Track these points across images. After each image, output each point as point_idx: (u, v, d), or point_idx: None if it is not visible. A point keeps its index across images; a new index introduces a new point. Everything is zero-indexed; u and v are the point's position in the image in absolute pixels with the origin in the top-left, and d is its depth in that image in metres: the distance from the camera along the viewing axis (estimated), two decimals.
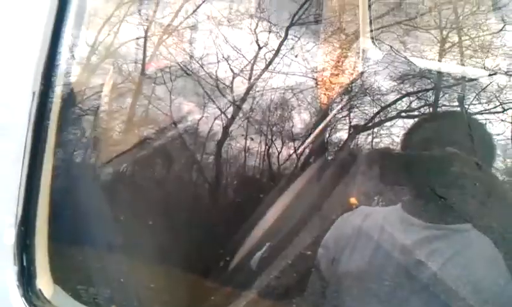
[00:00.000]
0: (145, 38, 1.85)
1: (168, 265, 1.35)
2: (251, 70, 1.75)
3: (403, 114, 1.79)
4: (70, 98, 1.23)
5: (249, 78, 1.76)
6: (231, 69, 1.73)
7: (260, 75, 1.73)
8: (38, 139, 1.01)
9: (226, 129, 1.69)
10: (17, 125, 1.00)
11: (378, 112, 1.81)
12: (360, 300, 1.25)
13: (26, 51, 1.02)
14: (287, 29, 1.80)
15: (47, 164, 1.03)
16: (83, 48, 1.43)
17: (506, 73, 1.80)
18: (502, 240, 1.17)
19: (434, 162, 1.30)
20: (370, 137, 1.76)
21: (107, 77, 1.61)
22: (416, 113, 1.81)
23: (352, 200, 1.37)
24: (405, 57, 1.84)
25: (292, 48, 1.79)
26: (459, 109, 1.69)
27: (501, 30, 1.87)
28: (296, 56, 1.77)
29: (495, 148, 1.50)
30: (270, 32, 1.81)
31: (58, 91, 1.10)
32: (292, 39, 1.80)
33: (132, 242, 1.36)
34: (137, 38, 1.85)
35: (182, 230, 1.41)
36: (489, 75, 1.82)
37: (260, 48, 1.77)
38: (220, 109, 1.71)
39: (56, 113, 1.10)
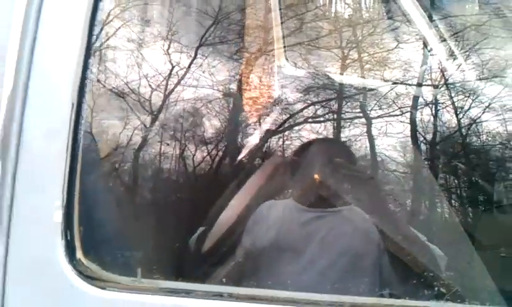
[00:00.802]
0: None
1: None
2: (167, 84, 1.94)
3: (310, 120, 2.02)
4: (96, 109, 1.54)
5: (165, 92, 1.94)
6: (150, 85, 1.92)
7: (174, 89, 1.93)
8: (75, 141, 1.26)
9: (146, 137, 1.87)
10: (62, 130, 1.24)
11: (288, 119, 2.02)
12: (272, 265, 1.63)
13: (67, 71, 1.26)
14: (196, 49, 1.95)
15: (80, 161, 1.29)
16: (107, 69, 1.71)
17: (402, 83, 2.05)
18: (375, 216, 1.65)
19: (328, 167, 1.74)
20: (281, 140, 1.99)
21: None
22: (322, 119, 2.04)
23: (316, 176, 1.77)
24: (316, 73, 2.12)
25: (201, 65, 1.95)
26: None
27: (396, 48, 2.10)
28: (204, 72, 1.94)
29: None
30: (181, 52, 1.95)
31: (89, 102, 1.43)
32: (200, 58, 1.95)
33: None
34: None
35: None
36: (389, 85, 2.03)
37: (173, 66, 1.91)
38: (140, 120, 1.88)
39: (88, 121, 1.45)
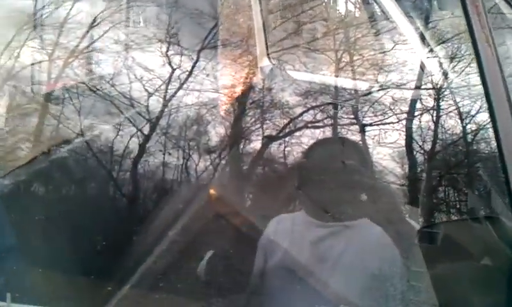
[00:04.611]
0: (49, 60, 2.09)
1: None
2: (166, 89, 1.94)
3: (309, 125, 2.04)
4: None
5: (164, 98, 2.01)
6: (145, 89, 1.96)
7: (175, 94, 1.93)
8: None
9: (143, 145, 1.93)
10: None
11: (288, 124, 2.05)
12: (283, 289, 1.56)
13: None
14: (199, 52, 2.00)
15: None
16: None
17: (398, 87, 2.09)
18: (389, 228, 1.56)
19: (338, 172, 1.65)
20: (282, 146, 1.99)
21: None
22: (320, 124, 2.06)
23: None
24: (289, 76, 2.08)
25: (204, 68, 1.99)
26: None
27: (392, 49, 2.14)
28: (208, 75, 1.97)
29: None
30: (182, 55, 2.01)
31: None
32: (203, 61, 2.00)
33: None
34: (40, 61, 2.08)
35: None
36: (381, 89, 2.09)
37: (173, 69, 1.97)
38: (136, 127, 1.94)
39: None
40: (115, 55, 1.95)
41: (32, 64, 2.03)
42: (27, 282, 1.61)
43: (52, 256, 1.70)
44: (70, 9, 2.06)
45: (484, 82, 1.20)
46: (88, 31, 1.99)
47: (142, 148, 1.86)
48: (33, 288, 1.60)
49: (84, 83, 1.89)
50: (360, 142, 1.95)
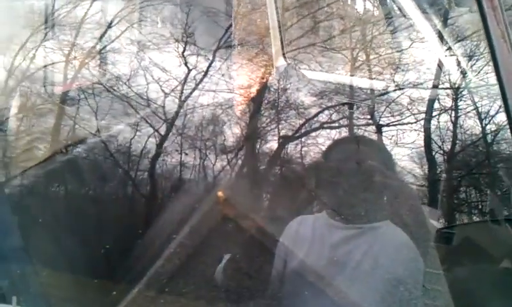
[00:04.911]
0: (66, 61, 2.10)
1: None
2: (182, 90, 1.93)
3: (325, 125, 2.01)
4: None
5: (180, 98, 1.99)
6: (162, 89, 1.92)
7: (190, 94, 1.91)
8: None
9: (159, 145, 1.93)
10: None
11: (304, 124, 2.02)
12: (302, 292, 1.50)
13: None
14: (214, 51, 1.99)
15: None
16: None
17: (415, 86, 2.07)
18: (408, 231, 1.47)
19: (360, 173, 1.57)
20: (298, 146, 1.97)
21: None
22: (336, 125, 2.03)
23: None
24: (305, 76, 2.06)
25: (219, 68, 1.97)
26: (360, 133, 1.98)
27: (409, 47, 2.12)
28: (223, 75, 1.94)
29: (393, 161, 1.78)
30: (198, 55, 2.00)
31: None
32: (219, 61, 1.98)
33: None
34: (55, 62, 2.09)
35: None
36: (397, 89, 2.07)
37: (189, 69, 1.96)
38: (153, 127, 1.94)
39: None
40: (130, 55, 1.91)
41: (47, 65, 2.02)
42: (34, 285, 1.63)
43: (61, 259, 1.73)
44: (88, 9, 2.04)
45: (499, 80, 1.13)
46: (105, 32, 1.97)
47: (158, 149, 1.83)
48: (40, 290, 1.63)
49: (100, 83, 1.86)
50: (379, 142, 1.89)
